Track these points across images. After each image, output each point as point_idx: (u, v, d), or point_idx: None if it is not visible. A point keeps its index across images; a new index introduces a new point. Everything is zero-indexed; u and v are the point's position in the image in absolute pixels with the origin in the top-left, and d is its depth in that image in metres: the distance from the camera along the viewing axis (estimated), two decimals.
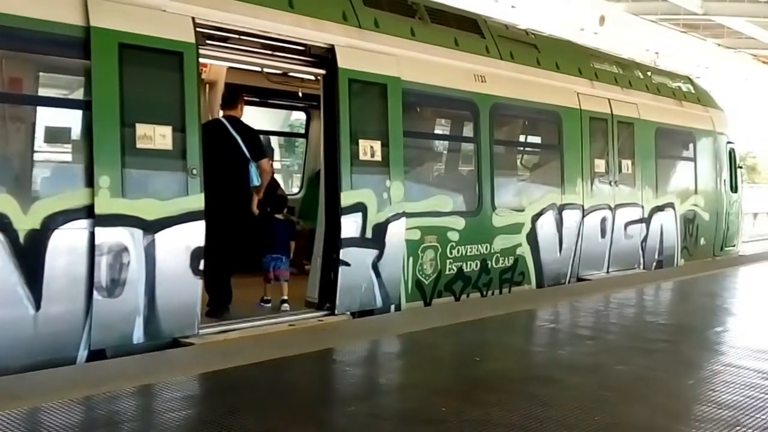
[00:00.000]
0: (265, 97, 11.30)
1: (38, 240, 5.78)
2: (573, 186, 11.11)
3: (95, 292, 6.04)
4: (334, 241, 7.85)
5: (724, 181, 15.42)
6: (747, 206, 19.58)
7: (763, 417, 4.73)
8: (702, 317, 8.58)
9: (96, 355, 6.08)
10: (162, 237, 6.40)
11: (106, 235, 6.08)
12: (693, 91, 15.14)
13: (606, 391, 5.34)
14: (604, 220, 11.71)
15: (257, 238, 8.37)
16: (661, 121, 13.25)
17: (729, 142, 15.73)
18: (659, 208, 13.13)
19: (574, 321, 8.41)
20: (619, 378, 5.76)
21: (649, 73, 14.05)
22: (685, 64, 17.19)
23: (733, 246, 16.10)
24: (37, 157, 6.47)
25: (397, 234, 8.32)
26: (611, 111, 11.98)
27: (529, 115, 11.09)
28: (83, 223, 6.00)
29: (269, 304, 8.27)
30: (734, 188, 15.89)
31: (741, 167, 17.19)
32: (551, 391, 5.26)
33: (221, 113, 8.43)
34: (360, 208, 7.98)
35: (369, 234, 8.04)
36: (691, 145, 14.47)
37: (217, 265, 7.37)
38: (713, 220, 14.89)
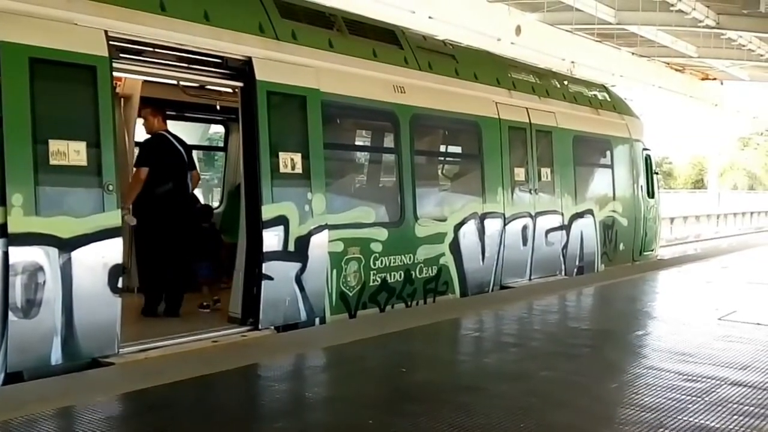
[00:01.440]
0: (182, 111, 11.07)
1: None
2: (494, 195, 11.20)
3: (10, 313, 5.84)
4: (256, 255, 7.73)
5: (641, 187, 15.81)
6: (664, 211, 20.16)
7: (685, 418, 4.80)
8: (623, 321, 8.70)
9: (13, 377, 5.87)
10: (78, 255, 6.23)
11: (21, 254, 5.89)
12: (609, 99, 15.51)
13: (531, 397, 5.36)
14: (525, 228, 11.85)
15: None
16: (579, 129, 13.51)
17: (645, 149, 16.16)
18: (579, 215, 13.36)
19: (498, 329, 8.45)
20: (544, 384, 5.78)
21: (566, 82, 14.34)
22: (600, 73, 17.61)
23: (652, 251, 16.52)
24: None
25: (320, 246, 8.23)
26: (530, 120, 12.16)
27: (449, 125, 11.16)
28: None
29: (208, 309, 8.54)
30: (651, 194, 16.32)
31: (657, 173, 17.69)
32: (477, 399, 5.25)
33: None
34: (282, 221, 7.88)
35: (291, 247, 7.94)
36: (608, 152, 14.80)
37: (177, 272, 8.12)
38: (631, 226, 15.24)
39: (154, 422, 4.75)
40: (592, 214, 13.81)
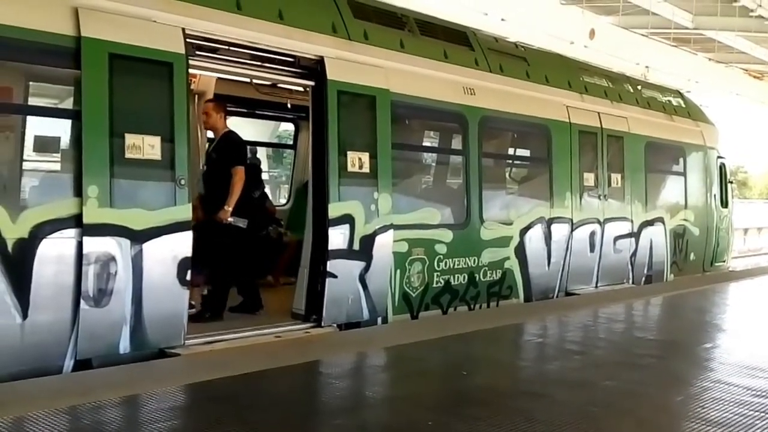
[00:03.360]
0: (253, 108, 11.25)
1: (26, 249, 5.75)
2: (562, 199, 11.08)
3: (82, 302, 6.01)
4: (322, 253, 7.80)
5: (715, 195, 15.44)
6: (738, 222, 19.61)
7: None
8: (691, 333, 8.54)
9: (82, 364, 6.04)
10: (149, 247, 6.38)
11: (94, 245, 6.06)
12: (683, 106, 15.18)
13: (593, 406, 5.29)
14: (593, 234, 11.68)
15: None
16: (651, 135, 13.26)
17: (719, 157, 15.76)
18: (649, 223, 13.11)
19: (562, 336, 8.36)
20: (606, 393, 5.71)
21: (639, 87, 14.09)
22: (675, 79, 17.20)
23: (723, 261, 16.10)
24: (25, 166, 6.44)
25: (384, 246, 8.27)
26: (601, 124, 11.98)
27: (518, 128, 11.07)
28: (71, 233, 5.97)
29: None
30: (724, 203, 15.91)
31: (731, 182, 17.23)
32: (538, 405, 5.22)
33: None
34: (347, 219, 7.94)
35: (356, 246, 8.00)
36: (681, 160, 14.48)
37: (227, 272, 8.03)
38: (703, 235, 14.88)
39: (216, 413, 4.84)
40: (663, 222, 13.54)
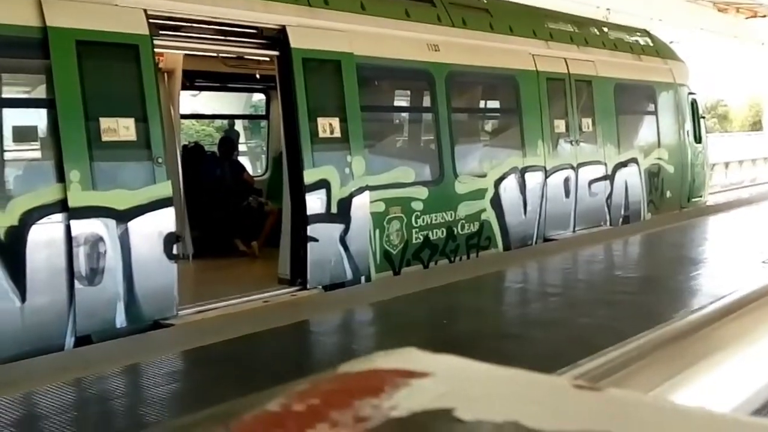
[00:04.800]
0: (224, 81, 11.33)
1: (18, 235, 5.93)
2: (534, 148, 11.24)
3: (76, 282, 6.21)
4: (301, 218, 7.98)
5: (688, 132, 15.55)
6: (719, 155, 19.72)
7: None
8: (667, 268, 8.75)
9: (82, 340, 6.25)
10: (134, 225, 6.56)
11: (82, 227, 6.24)
12: (651, 45, 15.24)
13: (568, 343, 5.51)
14: (567, 180, 11.86)
15: None
16: (620, 77, 13.36)
17: (690, 93, 15.83)
18: (623, 164, 13.27)
19: (540, 279, 8.60)
20: (581, 330, 5.92)
21: (605, 29, 14.15)
22: (638, 19, 17.22)
23: (700, 197, 16.26)
24: (7, 156, 6.57)
25: (361, 207, 8.46)
26: (568, 70, 12.10)
27: (486, 80, 11.20)
28: (59, 217, 6.16)
29: None
30: (698, 139, 16.01)
31: (704, 117, 17.37)
32: (516, 346, 5.46)
33: None
34: (323, 184, 8.11)
35: (334, 209, 8.18)
36: (651, 99, 14.59)
37: None
38: (678, 173, 15.06)
39: (213, 375, 5.08)
40: (637, 163, 13.71)
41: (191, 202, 9.80)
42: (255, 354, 5.57)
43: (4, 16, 6.01)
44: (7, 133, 6.51)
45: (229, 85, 11.82)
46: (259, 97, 15.11)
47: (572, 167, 12.01)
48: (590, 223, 12.40)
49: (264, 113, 13.17)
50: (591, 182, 12.41)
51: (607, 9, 18.15)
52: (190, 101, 12.58)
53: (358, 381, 0.79)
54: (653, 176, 14.25)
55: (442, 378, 0.79)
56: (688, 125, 15.63)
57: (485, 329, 6.15)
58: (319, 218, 8.06)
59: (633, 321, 6.19)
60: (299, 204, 8.00)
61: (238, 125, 15.48)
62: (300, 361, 5.58)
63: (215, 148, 11.85)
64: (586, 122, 12.46)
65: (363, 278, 8.55)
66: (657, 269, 8.74)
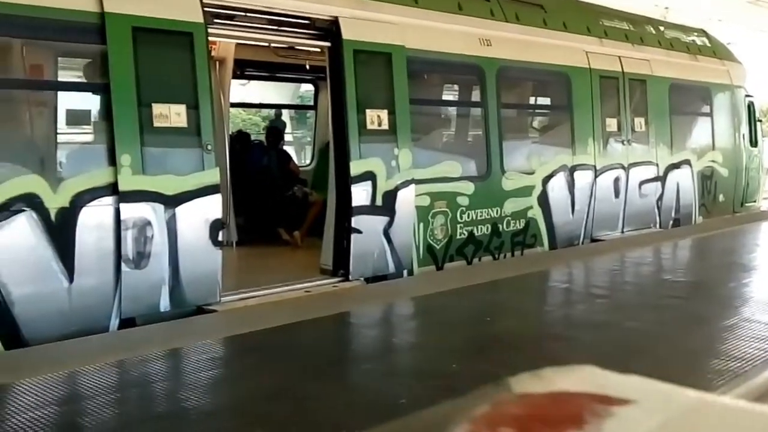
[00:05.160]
0: (273, 71, 11.36)
1: (68, 217, 6.01)
2: (584, 146, 11.07)
3: (123, 265, 6.27)
4: (346, 210, 7.96)
5: (743, 135, 15.21)
6: None
7: None
8: (717, 274, 8.57)
9: (126, 323, 6.32)
10: (182, 210, 6.60)
11: (131, 211, 6.31)
12: (708, 45, 14.91)
13: (615, 346, 5.41)
14: (617, 180, 11.67)
15: None
16: (675, 77, 13.10)
17: (747, 96, 15.48)
18: (675, 166, 13.03)
19: (587, 280, 8.47)
20: (628, 334, 5.82)
21: (661, 28, 13.87)
22: (696, 19, 16.82)
23: (754, 201, 15.93)
24: (61, 139, 6.69)
25: (406, 201, 8.40)
26: (622, 68, 11.89)
27: (537, 76, 11.05)
28: (109, 200, 6.22)
29: None
30: (754, 142, 15.66)
31: (761, 120, 16.94)
32: (561, 347, 5.36)
33: None
34: (369, 176, 8.07)
35: (379, 201, 8.14)
36: (707, 100, 14.29)
37: None
38: (732, 176, 14.73)
39: (254, 362, 5.10)
40: (690, 165, 13.44)
41: (236, 189, 9.83)
42: (295, 344, 5.59)
43: (64, 1, 6.09)
44: (62, 116, 6.64)
45: (279, 75, 11.84)
46: (306, 88, 15.16)
47: (623, 167, 11.80)
48: (639, 225, 12.19)
49: (311, 104, 13.15)
50: (642, 183, 12.19)
51: (666, 7, 17.79)
52: (238, 90, 12.64)
53: (550, 406, 0.71)
54: (706, 179, 13.95)
55: (648, 407, 0.70)
56: (744, 128, 15.28)
57: (529, 329, 6.07)
58: (363, 210, 8.02)
59: (682, 327, 6.07)
60: (344, 195, 7.98)
61: (285, 115, 15.53)
62: (338, 353, 5.56)
63: (260, 137, 11.89)
64: (639, 122, 12.24)
65: (405, 272, 8.50)
66: (707, 275, 8.55)
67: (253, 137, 12.43)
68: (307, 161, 12.88)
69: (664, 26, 14.31)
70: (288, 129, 14.83)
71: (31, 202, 5.82)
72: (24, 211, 5.78)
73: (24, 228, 5.79)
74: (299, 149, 15.54)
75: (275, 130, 11.89)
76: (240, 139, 11.43)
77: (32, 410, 4.09)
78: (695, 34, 14.98)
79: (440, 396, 4.15)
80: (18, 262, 5.81)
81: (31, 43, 6.47)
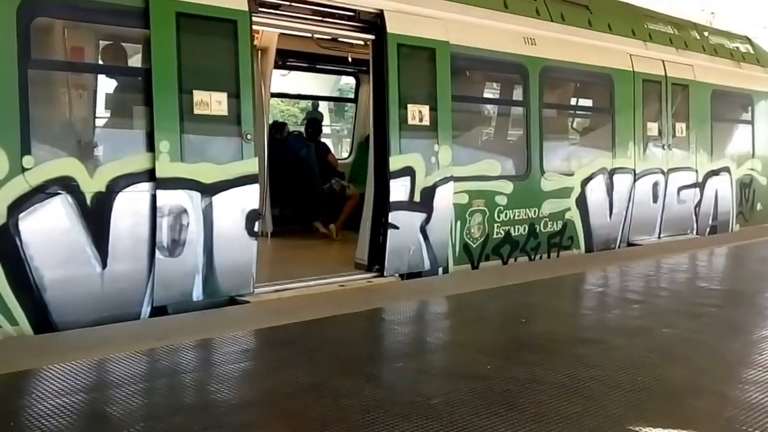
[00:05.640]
0: (315, 63, 11.38)
1: (104, 202, 6.02)
2: (624, 150, 11.00)
3: (157, 252, 6.28)
4: (383, 205, 7.95)
5: None
6: None
7: None
8: (755, 283, 8.50)
9: (158, 311, 6.33)
10: (219, 199, 6.59)
11: (167, 198, 6.30)
12: (752, 52, 14.72)
13: (651, 352, 5.36)
14: (656, 185, 11.59)
15: None
16: (718, 83, 12.96)
17: None
18: (714, 173, 12.92)
19: (622, 285, 8.39)
20: (664, 341, 5.77)
21: (705, 34, 13.72)
22: (743, 25, 16.61)
23: None
24: (99, 123, 6.70)
25: (445, 198, 8.38)
26: (665, 73, 11.78)
27: (580, 78, 10.96)
28: (145, 186, 6.22)
29: None
30: None
31: None
32: (596, 352, 5.31)
33: None
34: (408, 172, 8.06)
35: (417, 198, 8.13)
36: (749, 108, 14.14)
37: None
38: None
39: (285, 355, 5.10)
40: (729, 172, 13.32)
41: (273, 179, 9.88)
42: (328, 338, 5.59)
43: None
44: (101, 100, 6.65)
45: (321, 67, 11.86)
46: (345, 81, 15.18)
47: (662, 172, 11.72)
48: (676, 231, 12.10)
49: (352, 96, 13.17)
50: (680, 189, 12.10)
51: (712, 12, 17.59)
52: (278, 80, 12.68)
53: None
54: (745, 187, 13.82)
55: None
56: None
57: (564, 332, 6.03)
58: (401, 205, 8.02)
59: (719, 335, 6.01)
60: (382, 190, 7.97)
61: (323, 107, 15.57)
62: (371, 349, 5.56)
63: (298, 129, 11.92)
64: (680, 127, 12.13)
65: (441, 269, 8.49)
66: (744, 283, 8.47)
67: (291, 128, 12.47)
68: (345, 154, 12.91)
69: (709, 32, 14.15)
70: (326, 121, 14.86)
71: (68, 185, 5.83)
72: (60, 194, 5.80)
73: (59, 211, 5.80)
74: (337, 142, 15.56)
75: (315, 121, 11.92)
76: (277, 129, 11.47)
77: (60, 396, 4.12)
78: (739, 40, 14.79)
79: (473, 398, 4.19)
80: (51, 246, 5.80)
81: (73, 25, 6.46)
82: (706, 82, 12.67)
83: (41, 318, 5.76)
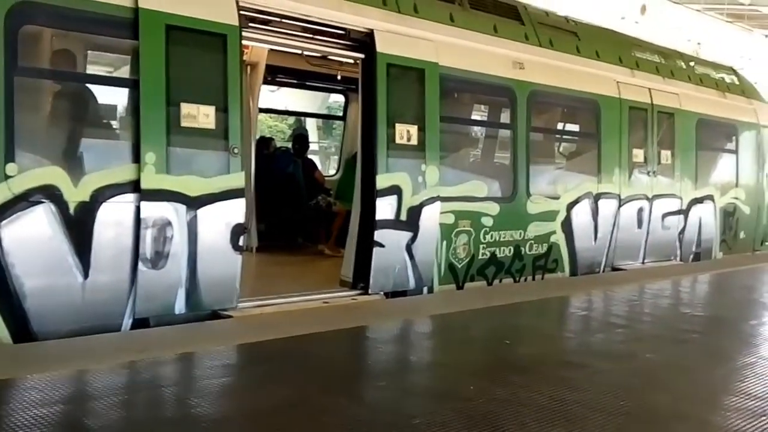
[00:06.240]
0: (304, 79, 11.40)
1: (87, 212, 5.98)
2: (610, 175, 11.06)
3: (140, 263, 6.23)
4: (370, 223, 7.94)
5: (767, 175, 15.17)
6: None
7: None
8: (738, 310, 8.51)
9: (140, 323, 6.28)
10: (204, 213, 6.56)
11: (152, 209, 6.27)
12: (737, 83, 14.89)
13: (634, 377, 5.35)
14: (641, 210, 11.65)
15: None
16: (703, 112, 13.08)
17: None
18: (698, 200, 13.00)
19: (606, 309, 8.41)
20: (648, 366, 5.76)
21: (691, 63, 13.87)
22: (728, 56, 16.80)
23: None
24: (85, 132, 6.64)
25: (431, 217, 8.38)
26: (651, 101, 11.89)
27: (567, 103, 11.03)
28: (130, 197, 6.19)
29: None
30: None
31: None
32: (580, 375, 5.29)
33: None
34: (395, 190, 8.06)
35: (404, 216, 8.13)
36: (733, 138, 14.26)
37: None
38: (754, 214, 14.69)
39: (267, 371, 5.06)
40: (713, 200, 13.41)
41: (259, 194, 9.84)
42: (309, 355, 5.55)
43: None
44: (88, 110, 6.61)
45: (310, 84, 11.88)
46: (333, 99, 15.21)
47: (647, 198, 11.78)
48: (660, 257, 12.16)
49: (340, 114, 13.19)
50: (665, 215, 12.17)
51: (698, 43, 17.80)
52: (267, 96, 12.69)
53: None
54: (728, 215, 13.92)
55: None
56: None
57: (548, 354, 6.01)
58: (387, 224, 8.01)
59: (702, 361, 6.01)
60: (369, 208, 7.96)
61: (311, 124, 15.58)
62: (354, 368, 5.52)
63: (285, 145, 11.92)
64: (665, 154, 12.21)
65: (426, 289, 8.47)
66: (727, 310, 8.49)
67: (278, 144, 12.47)
68: (333, 171, 12.91)
69: (695, 62, 14.31)
70: (314, 138, 14.89)
71: (51, 194, 5.79)
72: (43, 202, 5.76)
73: (41, 220, 5.76)
74: (324, 159, 15.57)
75: (303, 137, 11.93)
76: (265, 144, 11.46)
77: (38, 407, 4.06)
78: (725, 71, 14.97)
79: (456, 418, 4.16)
80: (33, 254, 5.75)
81: (62, 34, 6.44)
82: (692, 110, 12.78)
83: (21, 327, 5.70)
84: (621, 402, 4.69)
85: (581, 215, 10.54)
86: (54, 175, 5.85)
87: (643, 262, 11.80)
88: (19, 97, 5.71)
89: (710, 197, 13.35)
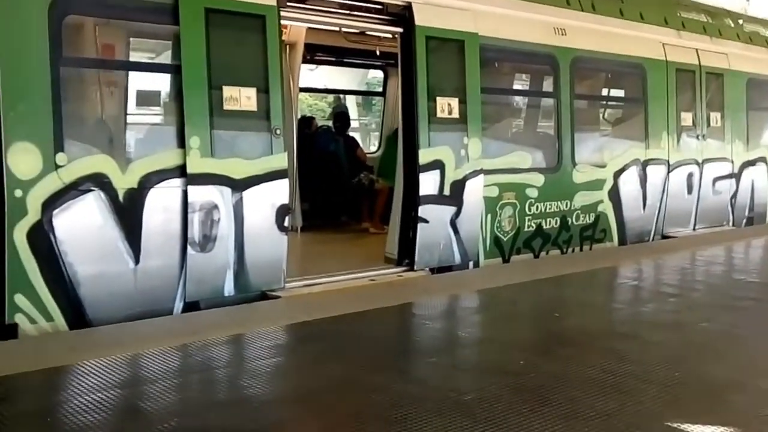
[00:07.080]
0: (342, 57, 11.35)
1: (136, 198, 6.05)
2: (658, 140, 10.84)
3: (189, 248, 6.30)
4: (413, 199, 7.90)
5: None
6: None
7: None
8: None
9: (190, 306, 6.36)
10: (249, 195, 6.61)
11: (198, 194, 6.32)
12: None
13: (688, 347, 5.27)
14: (690, 176, 11.41)
15: None
16: (754, 72, 12.74)
17: None
18: (750, 163, 12.71)
19: (657, 278, 8.28)
20: (701, 335, 5.66)
21: (740, 21, 13.46)
22: None
23: None
24: (131, 119, 6.72)
25: (475, 191, 8.31)
26: (699, 62, 11.59)
27: (612, 68, 10.81)
28: (176, 182, 6.25)
29: None
30: None
31: None
32: (631, 347, 5.22)
33: None
34: (438, 165, 8.00)
35: (447, 191, 8.06)
36: None
37: None
38: None
39: (316, 350, 5.08)
40: (766, 162, 13.07)
41: (302, 174, 9.86)
42: (359, 334, 5.56)
43: None
44: (132, 97, 6.67)
45: (349, 61, 11.82)
46: (372, 74, 15.14)
47: (697, 163, 11.54)
48: (712, 223, 11.93)
49: (380, 90, 13.12)
50: (716, 180, 11.92)
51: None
52: (306, 74, 12.67)
53: None
54: None
55: None
56: None
57: (598, 326, 5.94)
58: (431, 199, 7.95)
59: (757, 328, 5.89)
60: (412, 184, 7.91)
61: (350, 101, 15.54)
62: (402, 344, 5.52)
63: (326, 123, 11.91)
64: (715, 117, 11.93)
65: (471, 263, 8.42)
66: None
67: (319, 123, 12.47)
68: (373, 148, 12.87)
69: (743, 19, 13.87)
70: (354, 115, 14.85)
71: (100, 181, 5.87)
72: (92, 190, 5.83)
73: (92, 208, 5.84)
74: (364, 136, 15.53)
75: (343, 115, 11.89)
76: (306, 124, 11.46)
77: (95, 392, 4.12)
78: None
79: (506, 393, 4.12)
80: (85, 242, 5.84)
81: (104, 23, 6.50)
82: (741, 70, 12.45)
83: (76, 314, 5.81)
84: (675, 373, 4.61)
85: (629, 183, 10.36)
86: (102, 163, 5.93)
87: (694, 229, 11.59)
88: (65, 87, 5.78)
89: (763, 159, 13.04)
